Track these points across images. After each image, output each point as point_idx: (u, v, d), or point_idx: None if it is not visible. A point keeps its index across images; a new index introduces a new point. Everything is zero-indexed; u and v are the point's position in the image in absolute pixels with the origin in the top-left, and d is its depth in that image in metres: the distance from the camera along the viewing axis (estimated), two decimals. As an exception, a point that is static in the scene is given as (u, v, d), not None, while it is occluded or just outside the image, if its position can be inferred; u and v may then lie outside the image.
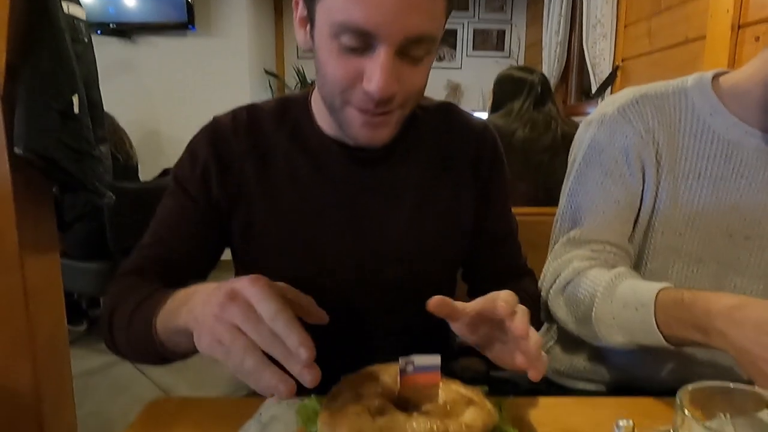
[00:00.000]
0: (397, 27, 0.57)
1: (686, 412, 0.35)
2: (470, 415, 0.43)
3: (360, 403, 0.43)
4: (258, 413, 0.57)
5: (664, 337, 0.66)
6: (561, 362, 1.00)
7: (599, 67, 3.09)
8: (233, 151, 0.74)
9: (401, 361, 0.47)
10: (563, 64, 3.77)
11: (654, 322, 0.66)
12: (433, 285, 0.84)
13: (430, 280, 0.81)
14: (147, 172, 3.07)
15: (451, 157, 0.81)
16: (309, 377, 0.41)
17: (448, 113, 0.84)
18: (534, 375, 0.52)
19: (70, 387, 1.52)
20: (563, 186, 0.93)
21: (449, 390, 0.47)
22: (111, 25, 3.51)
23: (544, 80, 1.86)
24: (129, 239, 2.28)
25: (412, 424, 0.41)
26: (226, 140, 0.74)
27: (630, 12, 2.88)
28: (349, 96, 0.63)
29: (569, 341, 0.99)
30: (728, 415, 0.37)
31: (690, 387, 0.37)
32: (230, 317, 0.43)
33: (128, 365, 2.50)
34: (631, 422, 0.36)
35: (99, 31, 3.48)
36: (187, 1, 3.50)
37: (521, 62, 4.68)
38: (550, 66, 3.84)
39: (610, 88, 3.00)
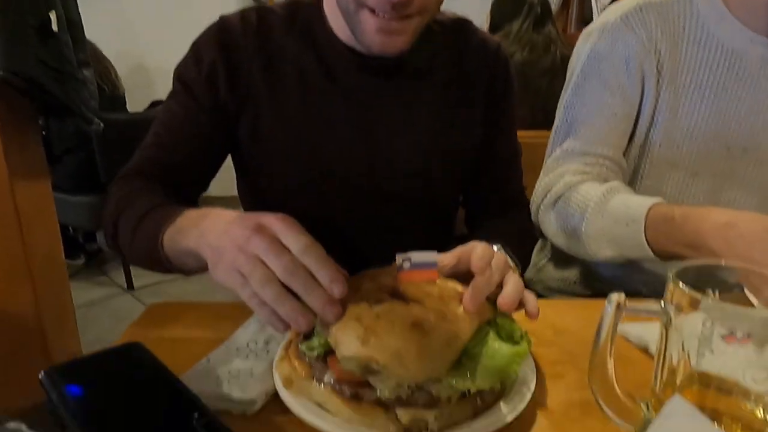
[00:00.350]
0: None
1: (680, 285, 0.35)
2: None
3: (358, 295, 0.43)
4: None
5: (653, 251, 0.66)
6: (553, 279, 1.02)
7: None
8: (242, 52, 0.70)
9: (398, 257, 0.47)
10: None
11: (644, 238, 0.66)
12: (437, 202, 0.84)
13: (434, 197, 0.80)
14: (135, 105, 2.99)
15: (466, 75, 0.78)
16: (332, 313, 0.41)
17: (464, 30, 0.80)
18: (529, 314, 0.50)
19: (71, 311, 1.55)
20: (560, 100, 0.90)
21: (446, 287, 0.47)
22: (87, -53, 3.30)
23: (544, 0, 1.78)
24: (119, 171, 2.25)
25: (410, 310, 0.41)
26: (235, 41, 0.70)
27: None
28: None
29: (562, 259, 1.01)
30: (717, 292, 0.38)
31: (681, 264, 0.37)
32: (254, 249, 0.41)
33: (128, 297, 2.55)
34: (622, 295, 0.36)
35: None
36: None
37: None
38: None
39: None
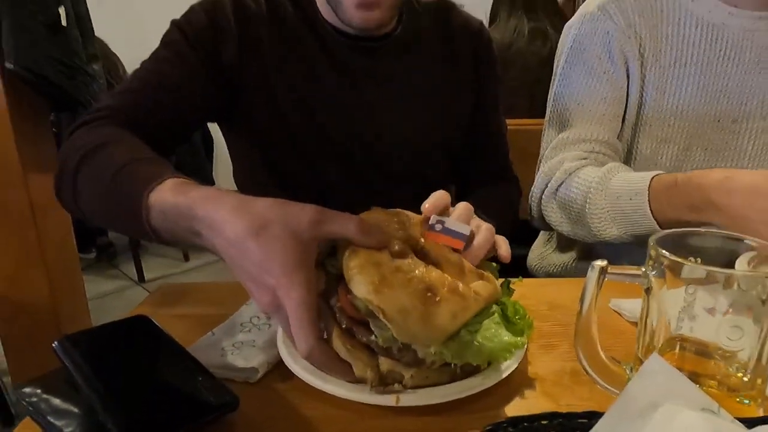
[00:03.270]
0: None
1: (660, 250, 0.36)
2: (480, 285, 0.45)
3: (384, 237, 0.44)
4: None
5: (658, 223, 0.68)
6: (554, 264, 1.03)
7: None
8: (256, 21, 0.73)
9: (432, 217, 0.48)
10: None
11: (648, 209, 0.68)
12: (429, 173, 0.87)
13: (426, 168, 0.84)
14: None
15: (451, 52, 0.83)
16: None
17: (447, 10, 0.85)
18: (501, 257, 0.55)
19: (84, 299, 1.59)
20: (549, 92, 0.92)
21: (464, 263, 0.48)
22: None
23: None
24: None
25: (430, 273, 0.42)
26: (250, 10, 0.73)
27: None
28: None
29: (562, 244, 1.02)
30: (699, 260, 0.39)
31: (667, 231, 0.39)
32: (273, 316, 0.42)
33: (139, 289, 2.59)
34: (605, 261, 0.37)
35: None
36: None
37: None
38: (556, -19, 3.66)
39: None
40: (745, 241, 0.39)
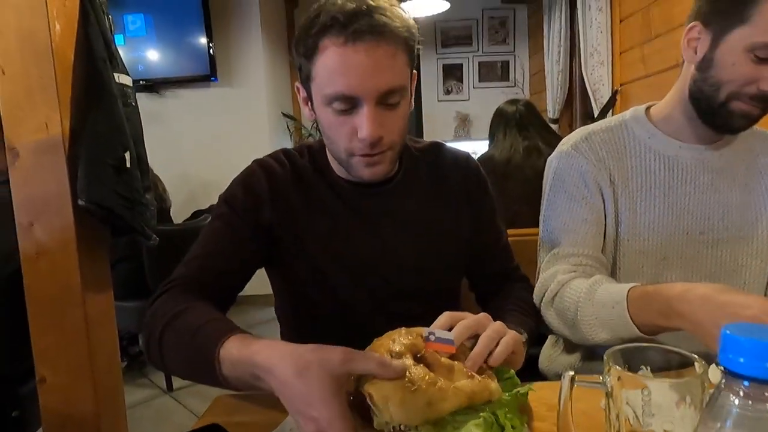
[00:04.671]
0: (371, 87, 0.76)
1: (610, 363, 0.49)
2: (464, 382, 0.55)
3: (387, 341, 0.58)
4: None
5: (637, 327, 0.79)
6: (561, 365, 1.12)
7: (599, 92, 3.25)
8: (284, 185, 0.90)
9: (424, 330, 0.61)
10: (566, 91, 3.93)
11: (628, 315, 0.80)
12: (442, 292, 1.01)
13: (439, 288, 0.98)
14: (178, 215, 3.29)
15: (446, 186, 0.99)
16: None
17: (438, 150, 1.03)
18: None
19: (124, 414, 1.67)
20: (540, 214, 1.08)
21: (454, 365, 0.58)
22: (140, 82, 3.80)
23: (525, 111, 2.04)
24: (166, 277, 2.44)
25: (416, 370, 0.53)
26: (278, 176, 0.90)
27: (624, 40, 3.06)
28: (352, 148, 0.82)
29: (568, 346, 1.12)
30: (648, 368, 0.51)
31: (616, 347, 0.51)
32: None
33: (167, 398, 2.65)
34: (573, 372, 0.49)
35: (130, 88, 3.77)
36: (210, 55, 3.79)
37: (526, 90, 4.87)
38: (554, 93, 4.01)
39: (611, 110, 3.15)
40: (681, 352, 0.51)
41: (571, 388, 0.50)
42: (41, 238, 1.43)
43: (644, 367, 0.50)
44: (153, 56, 3.82)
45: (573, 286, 0.92)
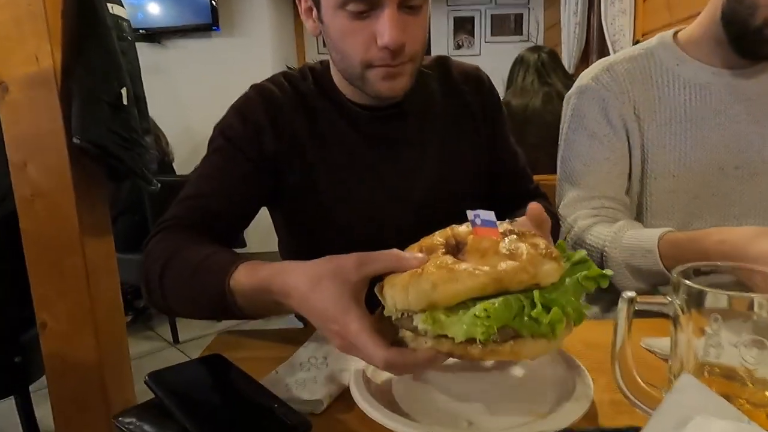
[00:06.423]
0: None
1: (683, 281, 0.41)
2: (491, 263, 0.44)
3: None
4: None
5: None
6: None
7: (619, 44, 3.09)
8: (284, 110, 0.81)
9: (468, 213, 0.52)
10: (583, 45, 3.77)
11: (661, 265, 0.73)
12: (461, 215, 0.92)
13: (456, 212, 0.89)
14: (180, 169, 3.21)
15: (460, 103, 0.90)
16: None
17: (446, 64, 0.93)
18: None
19: (128, 361, 1.64)
20: (557, 158, 0.99)
21: (489, 248, 0.48)
22: (140, 31, 3.66)
23: (548, 59, 1.94)
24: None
25: (431, 258, 0.47)
26: (277, 101, 0.81)
27: (648, -15, 2.88)
28: (369, 59, 0.72)
29: (591, 298, 1.06)
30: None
31: (683, 265, 0.44)
32: (351, 354, 0.49)
33: (174, 350, 2.64)
34: (634, 293, 0.42)
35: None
36: (211, 4, 3.63)
37: (540, 44, 4.69)
38: (569, 47, 3.84)
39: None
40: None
41: (630, 311, 0.43)
42: (36, 178, 1.36)
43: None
44: (153, 4, 3.67)
45: (595, 231, 0.85)
